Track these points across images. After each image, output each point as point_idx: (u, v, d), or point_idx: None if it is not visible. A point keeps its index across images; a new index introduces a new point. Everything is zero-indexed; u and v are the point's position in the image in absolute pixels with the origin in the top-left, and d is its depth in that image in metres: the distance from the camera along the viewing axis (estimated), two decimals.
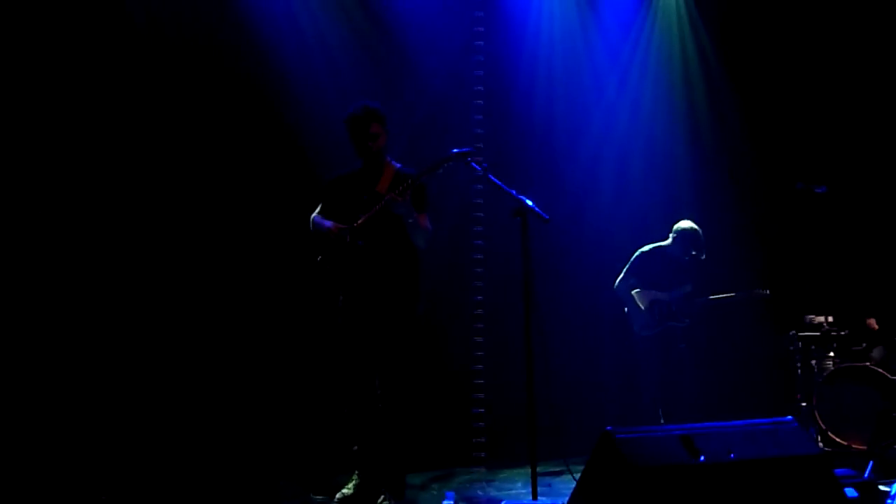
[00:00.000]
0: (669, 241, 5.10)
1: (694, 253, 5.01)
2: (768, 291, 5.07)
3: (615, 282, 5.12)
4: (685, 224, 5.07)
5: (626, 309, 5.10)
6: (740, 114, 6.18)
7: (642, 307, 4.99)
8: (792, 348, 5.28)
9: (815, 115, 6.02)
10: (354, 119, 3.71)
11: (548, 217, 3.39)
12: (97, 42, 4.53)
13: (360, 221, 3.65)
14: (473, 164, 3.58)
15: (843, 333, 5.23)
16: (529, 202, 3.42)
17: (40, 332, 4.24)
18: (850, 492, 2.82)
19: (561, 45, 6.06)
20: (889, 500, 2.72)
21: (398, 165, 3.79)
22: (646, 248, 5.11)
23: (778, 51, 6.06)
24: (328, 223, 3.74)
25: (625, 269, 5.11)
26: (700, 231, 5.03)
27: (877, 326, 5.21)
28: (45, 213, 4.36)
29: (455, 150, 3.59)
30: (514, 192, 3.47)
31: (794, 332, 5.30)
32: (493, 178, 3.55)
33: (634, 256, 5.10)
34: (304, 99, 5.00)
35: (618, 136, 6.08)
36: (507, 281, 4.86)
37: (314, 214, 3.86)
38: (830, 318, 5.28)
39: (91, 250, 4.44)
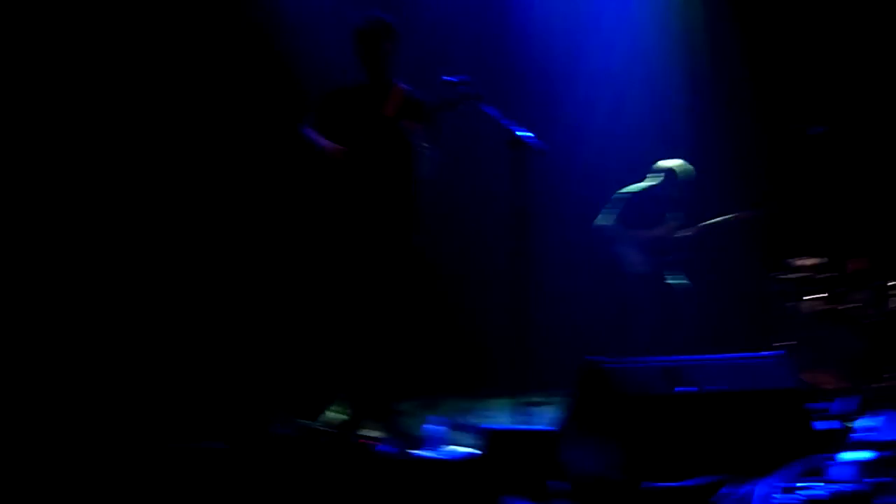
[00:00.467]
0: (656, 180, 5.02)
1: (679, 190, 4.97)
2: (756, 211, 5.02)
3: (597, 219, 5.06)
4: (668, 162, 4.98)
5: (614, 249, 5.06)
6: (740, 51, 6.09)
7: (630, 243, 4.96)
8: (774, 289, 5.36)
9: (816, 55, 5.94)
10: (365, 32, 3.48)
11: (546, 148, 3.34)
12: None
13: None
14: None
15: (823, 276, 5.30)
16: (526, 134, 3.35)
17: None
18: (831, 424, 2.91)
19: None
20: (865, 433, 2.80)
21: (407, 87, 3.59)
22: (629, 188, 5.04)
23: None
24: (325, 142, 3.49)
25: (608, 207, 5.04)
26: (686, 168, 4.96)
27: (859, 266, 5.21)
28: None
29: (445, 78, 3.50)
30: (511, 125, 3.40)
31: (776, 272, 5.36)
32: (486, 108, 3.47)
33: (615, 197, 5.03)
34: (295, 24, 4.86)
35: (614, 73, 6.01)
36: (498, 211, 4.85)
37: (305, 126, 3.62)
38: (813, 261, 5.33)
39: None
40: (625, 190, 5.05)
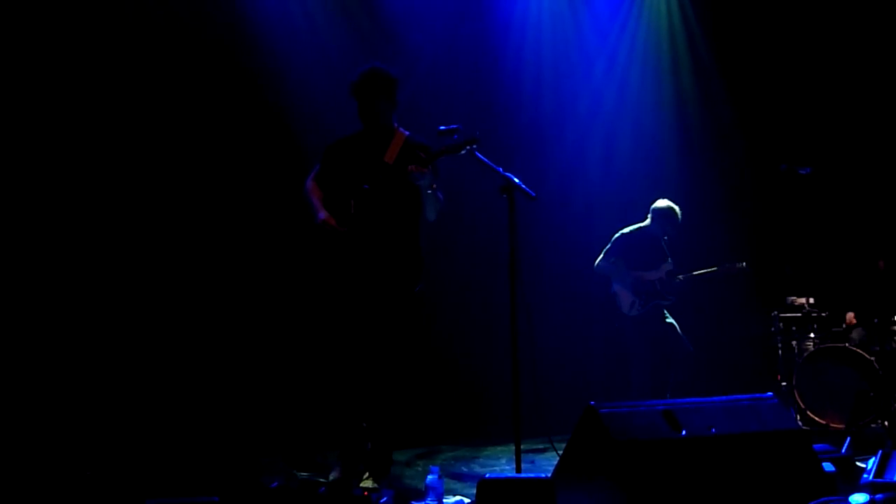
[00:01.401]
0: (648, 220, 5.11)
1: (671, 231, 5.06)
2: (745, 264, 5.06)
3: (595, 262, 5.12)
4: (662, 203, 5.08)
5: (612, 290, 5.11)
6: (727, 97, 6.23)
7: (628, 285, 5.01)
8: (773, 329, 5.35)
9: (801, 98, 6.08)
10: (359, 85, 3.54)
11: (534, 194, 3.39)
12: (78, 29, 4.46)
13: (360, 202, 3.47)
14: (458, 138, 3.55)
15: (823, 315, 5.31)
16: (516, 179, 3.41)
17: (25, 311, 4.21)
18: (828, 466, 2.87)
19: (550, 25, 6.08)
20: (865, 475, 2.77)
21: (407, 133, 3.63)
22: (626, 229, 5.11)
23: (765, 35, 6.11)
24: (321, 213, 3.48)
25: (605, 250, 5.11)
26: (677, 210, 5.04)
27: (855, 321, 5.30)
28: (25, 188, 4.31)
29: (442, 128, 3.57)
30: (500, 169, 3.46)
31: (776, 312, 5.37)
32: (479, 155, 3.52)
33: (615, 238, 5.10)
34: (289, 77, 4.97)
35: (604, 118, 6.13)
36: (492, 259, 4.89)
37: (309, 179, 3.64)
38: (812, 300, 5.35)
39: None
40: (624, 230, 5.10)
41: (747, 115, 6.18)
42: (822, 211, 5.87)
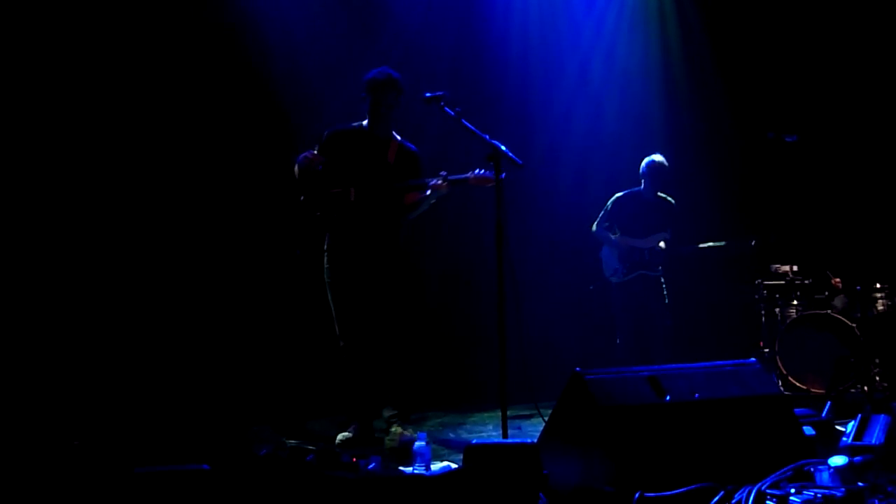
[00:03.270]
0: (642, 183, 5.04)
1: (659, 185, 4.90)
2: (754, 242, 5.04)
3: (592, 225, 5.08)
4: (646, 160, 4.98)
5: (600, 253, 5.08)
6: (715, 64, 6.19)
7: (616, 252, 4.98)
8: (757, 296, 5.41)
9: (789, 65, 6.05)
10: (377, 83, 3.78)
11: (521, 162, 3.38)
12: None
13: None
14: (447, 108, 3.54)
15: (807, 282, 5.37)
16: (503, 147, 3.39)
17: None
18: (808, 430, 2.93)
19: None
20: (844, 438, 2.83)
21: (399, 138, 3.90)
22: (621, 193, 5.06)
23: (754, 2, 6.05)
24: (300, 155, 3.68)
25: (601, 213, 5.06)
26: (659, 160, 4.93)
27: (840, 285, 5.33)
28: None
29: (428, 94, 3.58)
30: (487, 136, 3.45)
31: (759, 280, 5.42)
32: (466, 122, 3.51)
33: (611, 201, 5.05)
34: (278, 43, 4.92)
35: (592, 86, 6.09)
36: (480, 226, 4.89)
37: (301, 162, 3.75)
38: (795, 268, 5.40)
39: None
40: (619, 194, 5.04)
41: (735, 82, 6.16)
42: (808, 179, 5.90)
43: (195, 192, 4.73)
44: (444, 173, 3.69)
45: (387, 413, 3.89)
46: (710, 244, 5.07)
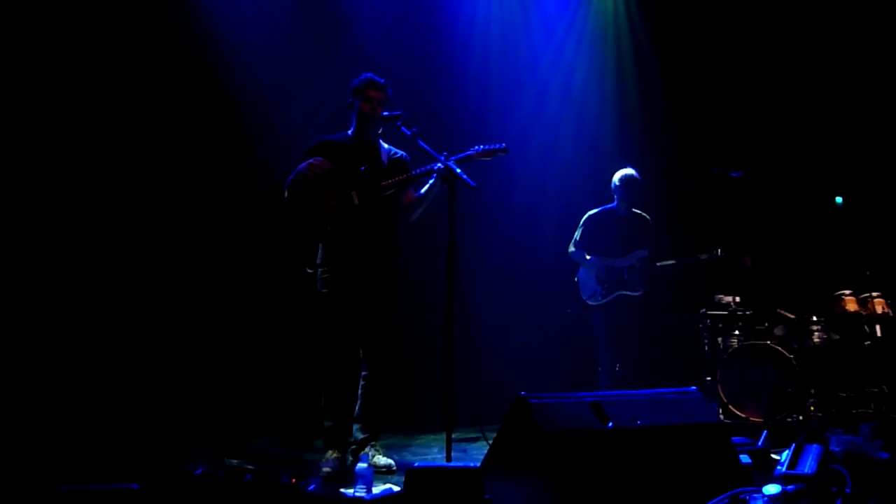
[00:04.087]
0: (615, 199, 4.92)
1: (632, 200, 4.80)
2: (719, 251, 4.96)
3: (569, 246, 4.97)
4: (616, 174, 4.87)
5: (576, 277, 4.96)
6: (668, 99, 6.39)
7: (593, 273, 4.84)
8: (701, 325, 5.53)
9: (739, 104, 6.29)
10: (363, 82, 3.73)
11: (475, 185, 3.40)
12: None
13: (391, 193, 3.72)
14: (403, 128, 3.56)
15: (748, 313, 5.51)
16: (458, 169, 3.41)
17: None
18: (745, 458, 2.99)
19: (498, 17, 6.11)
20: (779, 466, 2.89)
21: (385, 144, 3.84)
22: (593, 210, 4.92)
23: (707, 40, 6.29)
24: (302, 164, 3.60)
25: (577, 233, 4.92)
26: (630, 173, 4.81)
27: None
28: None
29: (385, 113, 3.60)
30: (441, 157, 3.46)
31: (704, 310, 5.54)
32: (421, 143, 3.54)
33: (583, 220, 4.91)
34: (237, 65, 4.89)
35: (549, 113, 6.19)
36: (431, 247, 4.89)
37: (293, 177, 3.68)
38: (738, 299, 5.55)
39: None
40: (591, 211, 4.91)
41: (685, 116, 6.36)
42: (752, 213, 6.10)
43: (144, 210, 4.61)
44: (446, 154, 3.53)
45: (359, 435, 3.77)
46: (669, 262, 4.98)
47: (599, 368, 4.90)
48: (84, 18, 4.42)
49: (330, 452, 3.69)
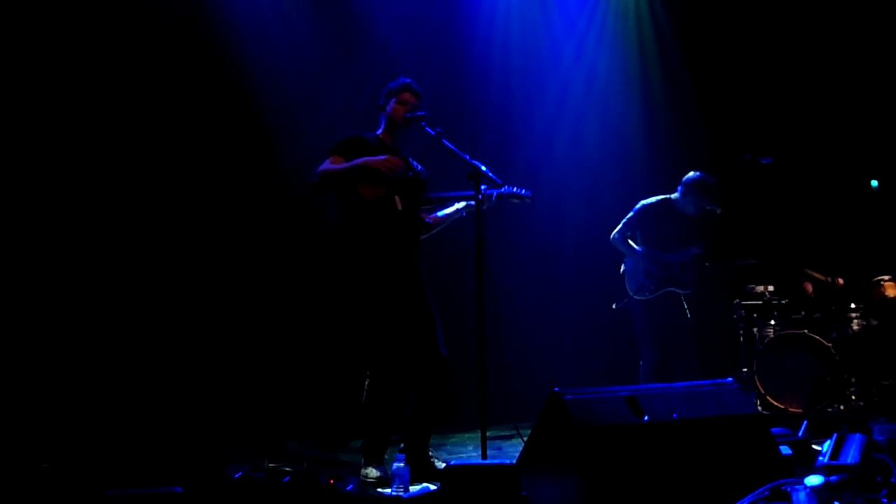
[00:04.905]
0: (677, 193, 4.60)
1: (708, 207, 4.50)
2: (761, 259, 4.90)
3: (613, 233, 4.66)
4: (694, 174, 4.57)
5: (623, 267, 4.71)
6: (693, 87, 6.31)
7: (638, 263, 4.58)
8: (735, 316, 5.46)
9: (765, 89, 6.19)
10: (399, 85, 3.65)
11: (501, 182, 3.40)
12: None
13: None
14: (427, 128, 3.56)
15: (783, 302, 5.43)
16: (483, 167, 3.42)
17: None
18: (785, 449, 2.94)
19: (518, 13, 6.10)
20: (820, 457, 2.85)
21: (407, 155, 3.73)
22: (650, 199, 4.61)
23: (730, 27, 6.20)
24: (381, 156, 3.43)
25: (624, 220, 4.64)
26: (711, 181, 4.53)
27: (812, 292, 5.35)
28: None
29: (408, 115, 3.59)
30: (467, 156, 3.47)
31: (737, 300, 5.47)
32: (446, 142, 3.53)
33: (636, 208, 4.61)
34: (259, 64, 4.95)
35: (572, 108, 6.16)
36: (460, 246, 4.89)
37: (327, 163, 3.47)
38: (772, 288, 5.47)
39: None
40: (648, 200, 4.63)
41: (712, 104, 6.27)
42: (784, 200, 6.00)
43: (158, 211, 4.67)
44: (485, 187, 3.44)
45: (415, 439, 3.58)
46: (719, 263, 4.86)
47: (641, 363, 4.66)
48: (106, 21, 4.48)
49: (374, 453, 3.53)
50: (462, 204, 3.68)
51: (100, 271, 4.43)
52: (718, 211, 4.57)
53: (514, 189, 3.68)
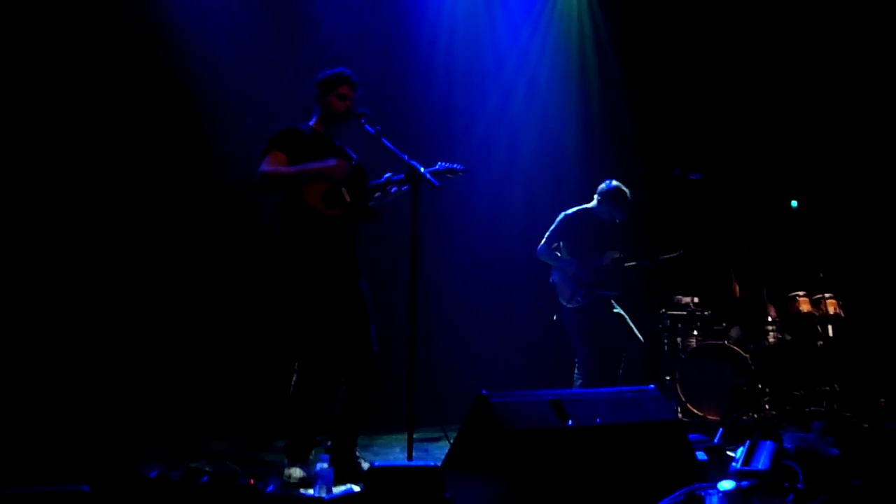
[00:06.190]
0: (593, 201, 4.83)
1: (618, 214, 4.74)
2: (682, 251, 5.01)
3: (538, 246, 4.81)
4: (609, 183, 4.79)
5: (551, 279, 4.84)
6: (629, 103, 6.49)
7: (566, 273, 4.74)
8: (661, 325, 5.62)
9: (700, 108, 6.42)
10: (352, 87, 3.58)
11: (438, 184, 3.39)
12: None
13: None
14: (367, 125, 3.52)
15: (706, 313, 5.62)
16: (422, 169, 3.41)
17: None
18: (701, 455, 3.04)
19: (464, 20, 6.14)
20: (734, 463, 2.95)
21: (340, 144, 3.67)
22: (570, 210, 4.83)
23: (667, 45, 6.40)
24: (330, 160, 3.39)
25: (548, 232, 4.80)
26: (625, 190, 4.75)
27: (739, 294, 5.50)
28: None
29: (349, 111, 3.56)
30: (405, 157, 3.45)
31: (664, 310, 5.63)
32: (385, 141, 3.49)
33: (558, 219, 4.80)
34: (201, 59, 4.82)
35: (511, 117, 6.23)
36: (394, 247, 4.87)
37: (267, 165, 3.39)
38: (696, 299, 5.65)
39: None
40: (567, 211, 4.80)
41: (646, 119, 6.46)
42: (711, 215, 6.22)
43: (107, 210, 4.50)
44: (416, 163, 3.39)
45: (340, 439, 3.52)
46: (637, 262, 4.98)
47: (576, 370, 4.80)
48: (43, 16, 4.29)
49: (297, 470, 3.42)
50: (405, 187, 3.59)
51: (19, 262, 4.21)
52: (619, 220, 4.83)
53: (448, 165, 3.67)
